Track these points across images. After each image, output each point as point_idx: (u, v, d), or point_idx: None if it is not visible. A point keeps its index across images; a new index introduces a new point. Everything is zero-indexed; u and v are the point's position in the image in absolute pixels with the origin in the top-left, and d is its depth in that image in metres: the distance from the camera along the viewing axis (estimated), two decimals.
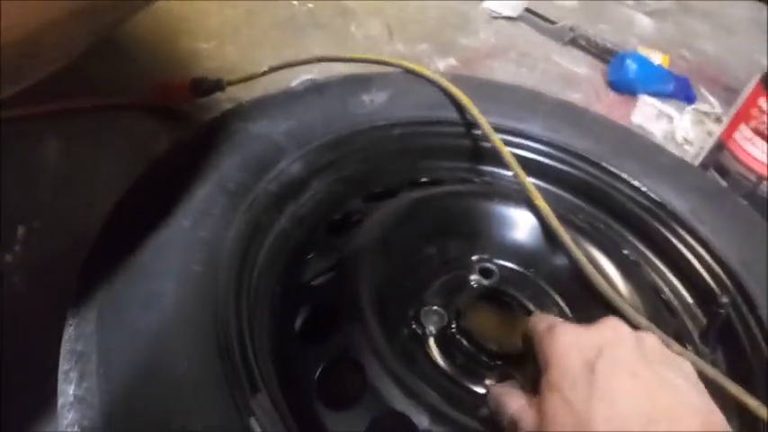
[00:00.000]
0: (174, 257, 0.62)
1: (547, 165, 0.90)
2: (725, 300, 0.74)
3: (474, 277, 0.79)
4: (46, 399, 0.52)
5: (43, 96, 1.14)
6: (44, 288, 0.54)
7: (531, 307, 0.77)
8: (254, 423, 0.53)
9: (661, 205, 0.85)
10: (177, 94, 1.24)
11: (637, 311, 0.71)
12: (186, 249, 0.63)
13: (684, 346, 0.70)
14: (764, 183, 1.29)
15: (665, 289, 0.83)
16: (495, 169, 0.91)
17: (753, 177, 1.29)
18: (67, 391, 0.53)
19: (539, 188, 0.84)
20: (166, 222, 0.65)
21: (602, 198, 0.89)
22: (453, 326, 0.72)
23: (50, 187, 1.04)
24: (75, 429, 0.51)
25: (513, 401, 0.53)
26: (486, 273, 0.80)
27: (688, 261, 0.82)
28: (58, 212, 0.60)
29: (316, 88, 0.88)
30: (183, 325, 0.57)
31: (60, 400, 0.53)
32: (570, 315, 0.78)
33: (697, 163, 1.45)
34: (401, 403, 0.60)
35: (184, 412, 0.51)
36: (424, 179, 0.89)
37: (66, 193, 0.60)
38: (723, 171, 1.35)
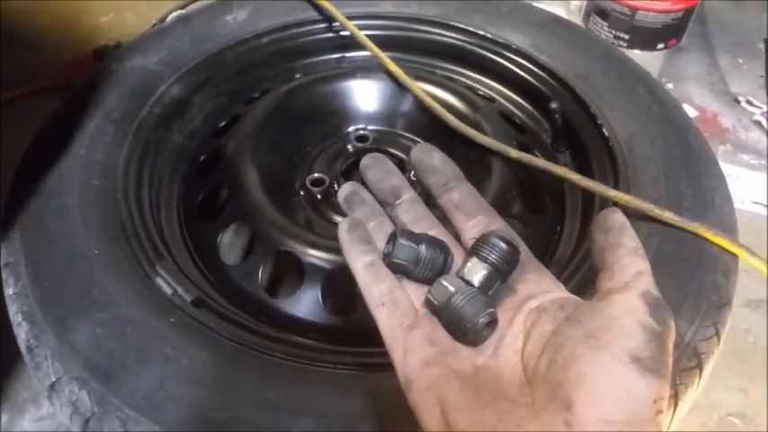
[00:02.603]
0: (74, 177, 0.74)
1: (402, 36, 1.00)
2: (554, 105, 0.86)
3: (351, 144, 0.92)
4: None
5: None
6: None
7: (404, 157, 0.89)
8: (160, 282, 0.66)
9: (505, 45, 0.96)
10: (85, 66, 1.36)
11: (490, 136, 0.83)
12: (84, 170, 0.75)
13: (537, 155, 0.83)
14: (639, 12, 1.40)
15: (517, 112, 0.95)
16: (359, 53, 1.02)
17: (627, 11, 1.41)
18: (9, 292, 0.67)
19: (398, 59, 0.95)
20: (66, 153, 0.77)
21: (456, 52, 0.99)
22: (336, 186, 0.85)
23: None
24: (18, 315, 0.64)
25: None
26: (361, 138, 0.92)
27: (528, 82, 0.93)
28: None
29: (182, 20, 0.98)
30: (89, 224, 0.70)
31: (6, 301, 0.67)
32: None
33: (581, 13, 1.56)
34: (284, 244, 0.73)
35: (99, 282, 0.65)
36: (298, 76, 1.00)
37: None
38: (603, 14, 1.46)
